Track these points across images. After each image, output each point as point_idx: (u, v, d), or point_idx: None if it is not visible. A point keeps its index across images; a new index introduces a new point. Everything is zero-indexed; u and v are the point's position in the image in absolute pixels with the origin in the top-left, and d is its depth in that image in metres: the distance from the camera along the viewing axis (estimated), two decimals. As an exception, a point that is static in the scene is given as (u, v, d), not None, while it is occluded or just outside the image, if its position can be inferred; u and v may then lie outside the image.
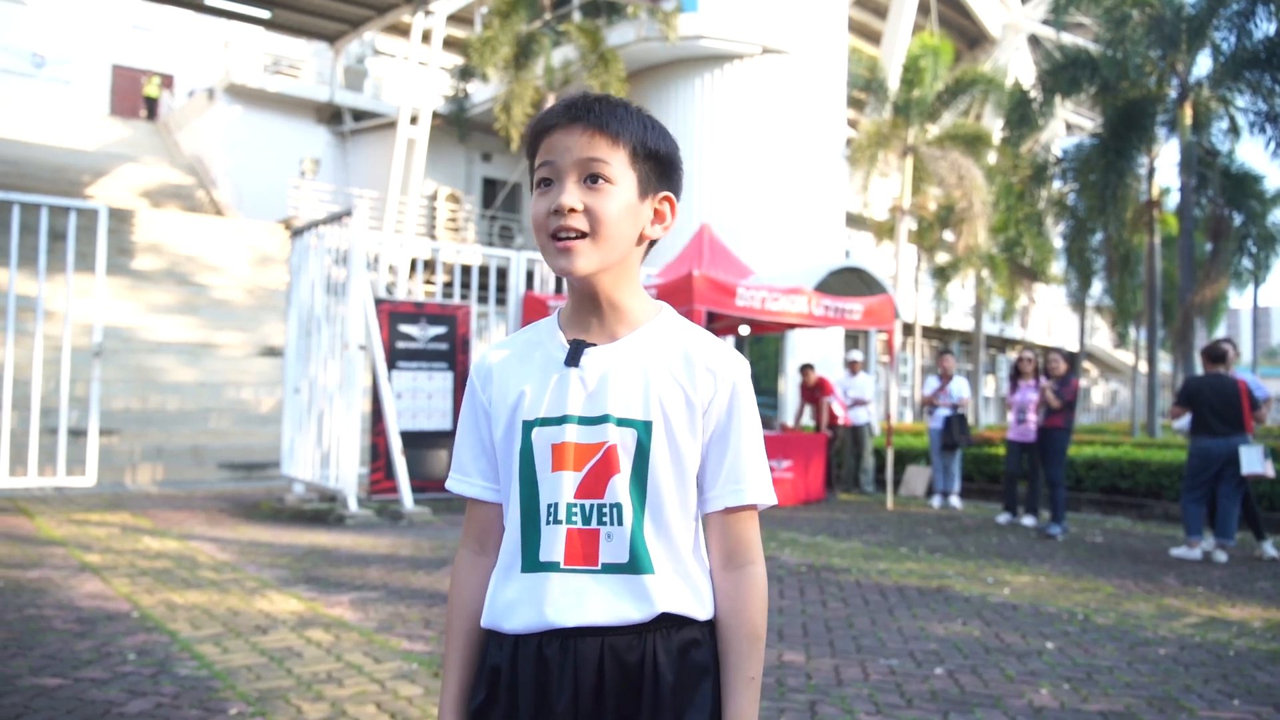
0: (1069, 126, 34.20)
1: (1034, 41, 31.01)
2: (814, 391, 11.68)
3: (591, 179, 1.24)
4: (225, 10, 19.84)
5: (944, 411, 10.44)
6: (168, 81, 29.28)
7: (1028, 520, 9.09)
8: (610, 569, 1.23)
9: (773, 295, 9.30)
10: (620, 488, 1.23)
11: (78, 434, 10.01)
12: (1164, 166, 41.79)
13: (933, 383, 10.73)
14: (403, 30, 23.01)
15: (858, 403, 11.71)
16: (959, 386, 10.53)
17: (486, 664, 1.29)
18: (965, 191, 19.88)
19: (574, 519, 1.23)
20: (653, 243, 1.33)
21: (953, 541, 7.95)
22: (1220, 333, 28.31)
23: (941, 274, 24.50)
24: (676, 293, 8.70)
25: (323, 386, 9.01)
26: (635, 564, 1.23)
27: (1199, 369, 8.79)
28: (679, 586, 1.25)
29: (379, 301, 9.53)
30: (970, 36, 31.56)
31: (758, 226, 19.36)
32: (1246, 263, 23.47)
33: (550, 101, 19.46)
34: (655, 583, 1.23)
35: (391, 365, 9.47)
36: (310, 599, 5.23)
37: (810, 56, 20.46)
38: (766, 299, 9.24)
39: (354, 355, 8.53)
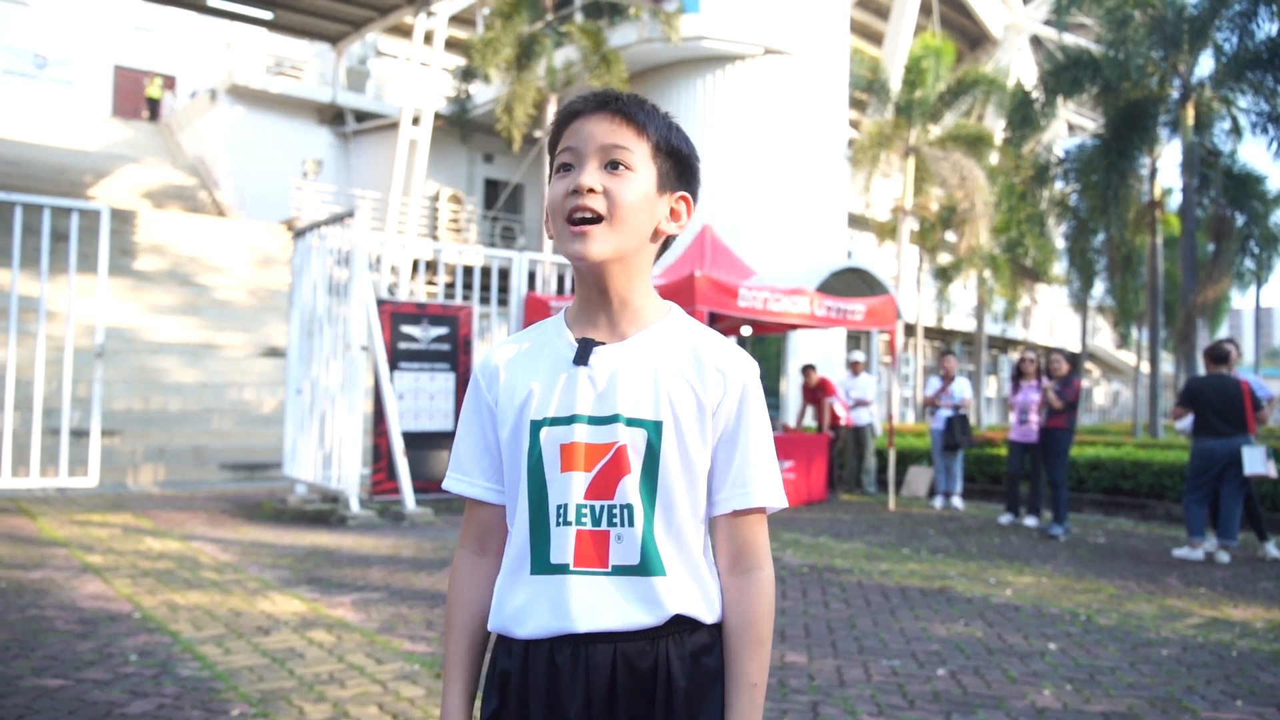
0: (1071, 127, 34.19)
1: (1036, 42, 31.00)
2: (816, 392, 11.68)
3: (612, 165, 1.25)
4: (227, 11, 19.85)
5: (946, 412, 10.44)
6: (170, 82, 29.33)
7: (1030, 521, 9.08)
8: (621, 570, 1.21)
9: (775, 296, 9.30)
10: (631, 489, 1.22)
11: (80, 435, 10.01)
12: (1166, 167, 41.79)
13: (935, 383, 10.72)
14: (405, 31, 23.03)
15: (860, 403, 11.70)
16: (961, 387, 10.52)
17: (496, 670, 1.27)
18: (967, 192, 19.87)
19: (584, 520, 1.22)
20: (666, 244, 1.33)
21: (955, 542, 7.94)
22: (1222, 333, 28.29)
23: (943, 274, 24.50)
24: (678, 293, 8.70)
25: (325, 387, 9.02)
26: (646, 566, 1.21)
27: (1201, 369, 8.79)
28: (690, 588, 1.24)
29: (381, 302, 9.53)
30: (972, 37, 31.55)
31: (760, 227, 19.37)
32: (1249, 263, 23.43)
33: (552, 103, 19.50)
34: (666, 585, 1.22)
35: (393, 366, 9.48)
36: (312, 600, 5.23)
37: (812, 57, 20.47)
38: (768, 299, 9.23)
39: (356, 356, 8.53)
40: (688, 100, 20.20)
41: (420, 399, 9.79)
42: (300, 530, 7.85)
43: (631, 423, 1.22)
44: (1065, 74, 18.14)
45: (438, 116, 21.47)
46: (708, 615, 1.25)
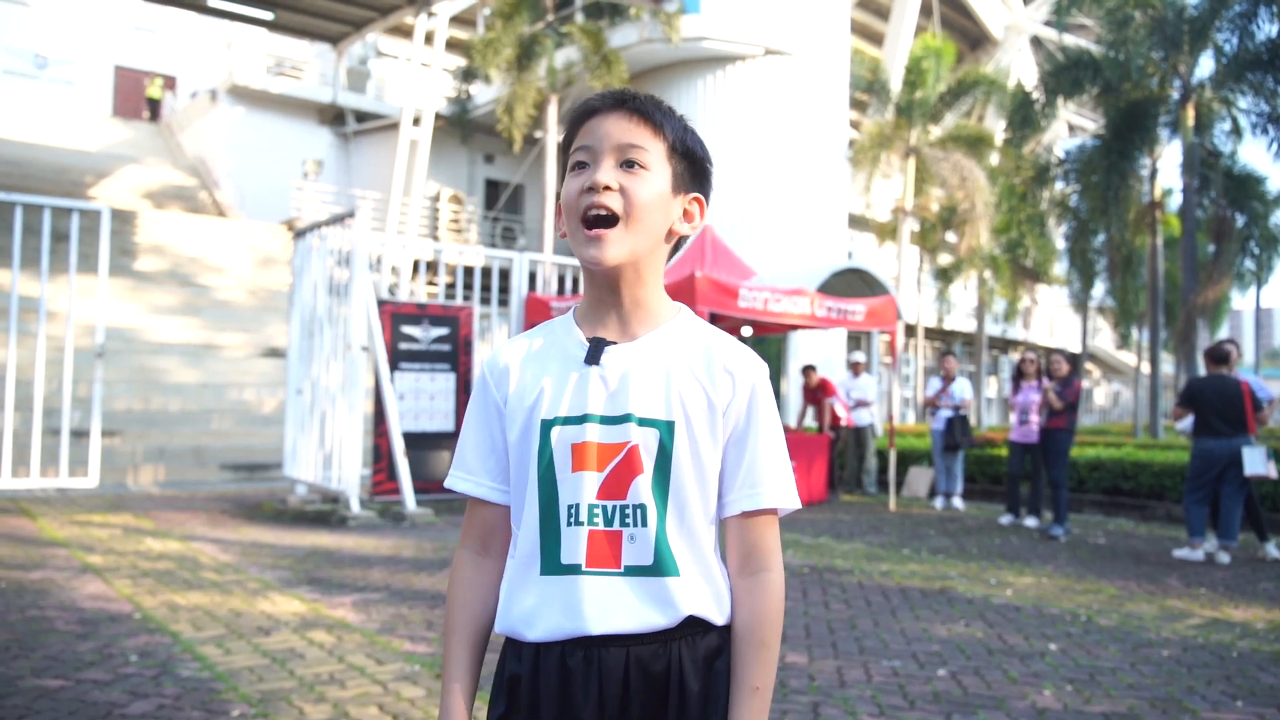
0: (1071, 128, 34.19)
1: (1036, 43, 31.00)
2: (816, 393, 11.68)
3: (628, 164, 1.24)
4: (228, 11, 19.86)
5: (946, 413, 10.44)
6: (170, 83, 29.33)
7: (1030, 521, 9.08)
8: (634, 571, 1.20)
9: (775, 296, 9.30)
10: (644, 488, 1.21)
11: (80, 435, 10.02)
12: (1166, 168, 41.80)
13: (935, 384, 10.73)
14: (405, 32, 23.04)
15: (860, 404, 11.71)
16: (961, 388, 10.52)
17: (504, 673, 1.26)
18: (968, 192, 19.88)
19: (596, 520, 1.21)
20: (678, 245, 1.32)
21: (955, 543, 7.94)
22: (1223, 334, 28.30)
23: (944, 275, 24.50)
24: (679, 294, 8.69)
25: (325, 388, 9.02)
26: (660, 566, 1.20)
27: (1201, 370, 8.79)
28: (703, 590, 1.23)
29: (381, 303, 9.53)
30: (972, 38, 31.55)
31: (760, 227, 19.37)
32: (1249, 264, 23.43)
33: (553, 103, 19.50)
34: (680, 585, 1.21)
35: (394, 366, 9.48)
36: (312, 600, 5.23)
37: (813, 58, 20.47)
38: (769, 300, 9.23)
39: (356, 356, 8.53)
40: (688, 101, 20.21)
41: (421, 399, 9.79)
42: (300, 531, 7.85)
43: (644, 422, 1.22)
44: (1066, 75, 18.14)
45: (438, 117, 21.48)
46: (719, 617, 1.24)
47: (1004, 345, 33.35)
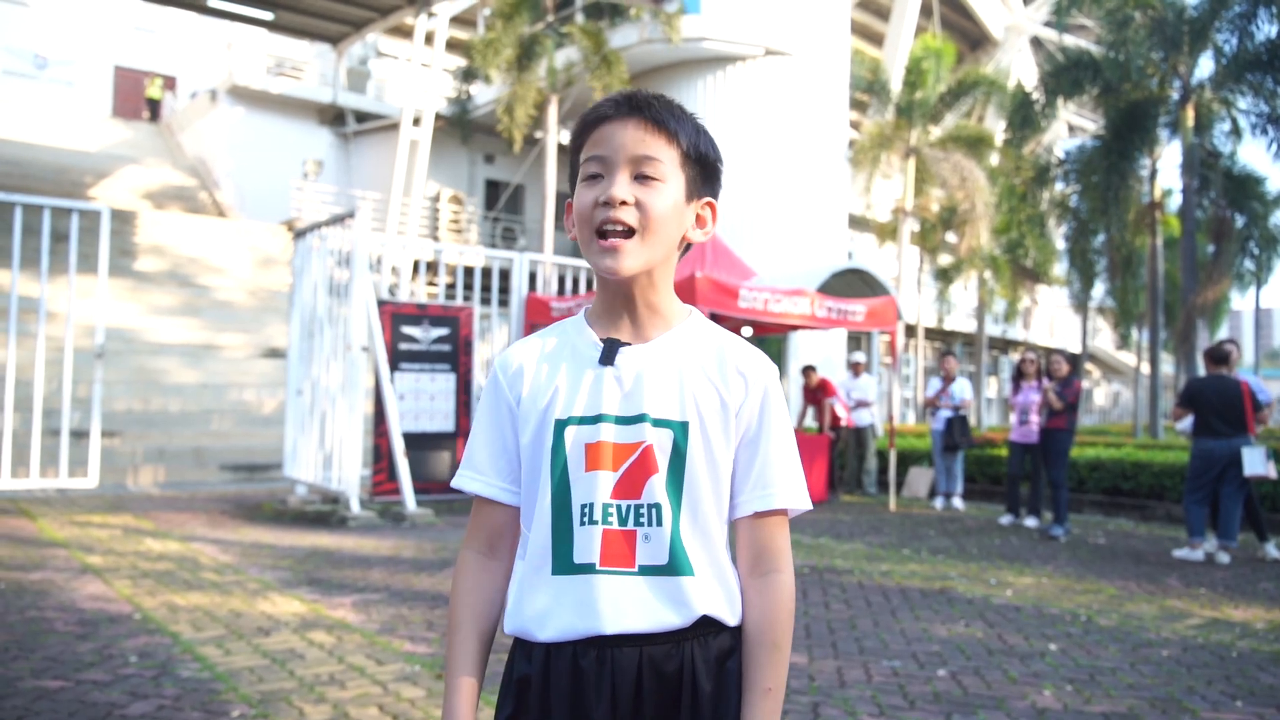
0: (1071, 128, 34.20)
1: (1036, 43, 31.01)
2: (816, 393, 11.68)
3: (642, 176, 1.24)
4: (228, 12, 19.87)
5: (946, 413, 10.44)
6: (170, 83, 29.34)
7: (1030, 521, 9.08)
8: (647, 570, 1.20)
9: (775, 297, 9.30)
10: (658, 488, 1.21)
11: (80, 435, 10.02)
12: (1166, 168, 41.78)
13: (935, 384, 10.73)
14: (405, 32, 23.04)
15: (860, 404, 11.70)
16: (961, 388, 10.52)
17: (513, 674, 1.25)
18: (968, 193, 19.88)
19: (610, 519, 1.21)
20: (688, 246, 1.32)
21: (955, 543, 7.94)
22: (1222, 334, 28.29)
23: (944, 275, 24.51)
24: (679, 294, 8.61)
25: (325, 388, 9.02)
26: (675, 566, 1.20)
27: (1201, 370, 8.79)
28: (716, 590, 1.23)
29: (381, 303, 9.54)
30: (972, 38, 31.56)
31: (760, 228, 19.36)
32: (1249, 264, 23.44)
33: (553, 104, 19.50)
34: (694, 585, 1.21)
35: (394, 367, 9.48)
36: (312, 601, 5.23)
37: (813, 58, 20.46)
38: (769, 300, 9.23)
39: (356, 357, 8.53)
40: (689, 101, 20.04)
41: (421, 400, 9.79)
42: (300, 531, 7.85)
43: (658, 423, 1.22)
44: (1066, 75, 18.15)
45: (438, 117, 21.48)
46: (731, 618, 1.24)
47: (1004, 345, 33.36)
